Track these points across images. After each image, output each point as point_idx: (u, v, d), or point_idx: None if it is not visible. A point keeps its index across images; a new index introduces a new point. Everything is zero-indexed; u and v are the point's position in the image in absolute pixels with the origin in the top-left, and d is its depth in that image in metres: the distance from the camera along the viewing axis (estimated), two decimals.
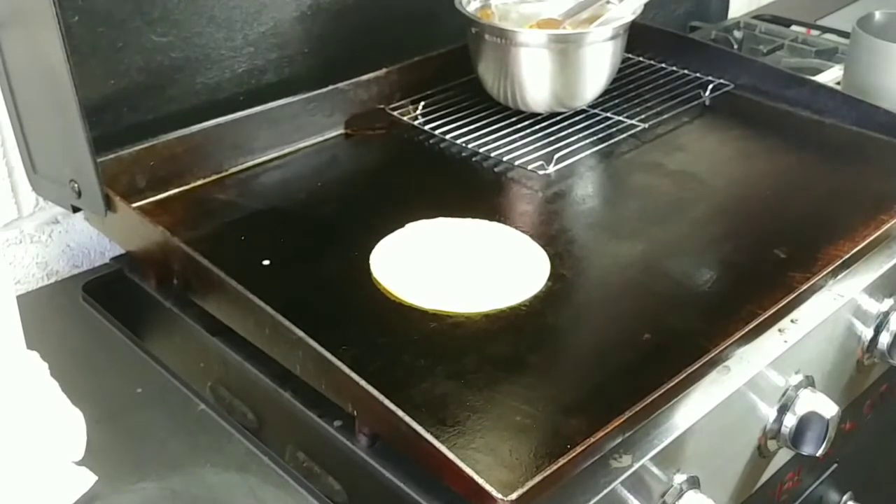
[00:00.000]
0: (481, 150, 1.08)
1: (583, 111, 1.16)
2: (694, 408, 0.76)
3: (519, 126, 1.13)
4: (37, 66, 0.85)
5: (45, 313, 0.94)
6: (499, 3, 1.19)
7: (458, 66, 1.19)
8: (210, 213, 0.98)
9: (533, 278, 0.86)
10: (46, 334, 0.81)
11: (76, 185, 0.89)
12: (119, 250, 0.98)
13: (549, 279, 0.87)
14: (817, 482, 1.00)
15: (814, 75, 1.31)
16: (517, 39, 1.09)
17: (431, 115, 1.15)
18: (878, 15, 1.28)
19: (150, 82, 1.02)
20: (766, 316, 0.80)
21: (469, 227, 0.94)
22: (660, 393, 0.71)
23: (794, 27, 1.59)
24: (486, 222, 0.95)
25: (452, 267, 0.89)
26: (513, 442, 0.69)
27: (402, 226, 0.93)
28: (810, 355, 0.86)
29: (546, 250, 0.90)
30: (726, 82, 1.21)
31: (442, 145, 1.11)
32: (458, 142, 1.10)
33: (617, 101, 1.19)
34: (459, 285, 0.86)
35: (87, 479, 0.71)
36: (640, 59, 1.28)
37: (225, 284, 0.79)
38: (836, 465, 1.01)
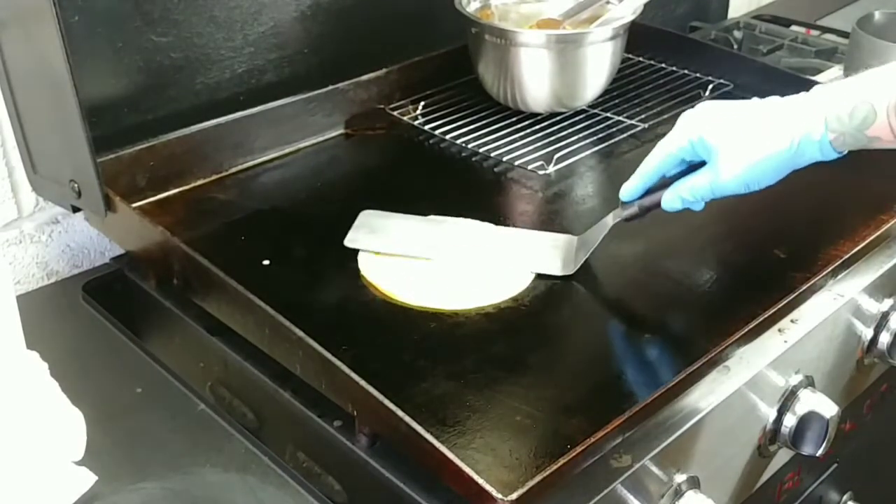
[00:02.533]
0: (481, 150, 1.08)
1: (583, 111, 1.16)
2: (694, 408, 0.76)
3: (519, 126, 1.13)
4: (37, 66, 0.85)
5: (45, 313, 0.94)
6: (499, 4, 1.20)
7: (458, 66, 1.19)
8: (210, 213, 0.98)
9: (519, 276, 0.87)
10: (46, 334, 0.81)
11: (76, 185, 0.89)
12: (119, 250, 0.98)
13: (549, 279, 0.86)
14: (817, 482, 1.00)
15: (814, 75, 1.31)
16: (517, 39, 1.09)
17: (431, 115, 1.15)
18: (877, 15, 1.28)
19: (150, 82, 1.02)
20: (766, 316, 0.80)
21: (458, 224, 0.94)
22: (660, 393, 0.71)
23: (793, 27, 1.59)
24: (475, 221, 0.95)
25: (442, 264, 0.89)
26: (513, 442, 0.69)
27: None
28: (810, 355, 0.86)
29: None
30: (726, 82, 1.21)
31: (442, 145, 1.11)
32: (458, 142, 1.10)
33: (617, 101, 1.19)
34: (452, 283, 0.86)
35: (87, 479, 0.71)
36: (640, 59, 1.28)
37: (225, 284, 0.79)
38: (836, 465, 1.01)
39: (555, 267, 0.87)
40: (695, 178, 0.80)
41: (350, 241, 0.90)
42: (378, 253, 0.89)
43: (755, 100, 0.81)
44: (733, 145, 0.78)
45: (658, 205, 0.83)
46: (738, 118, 0.79)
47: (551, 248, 0.90)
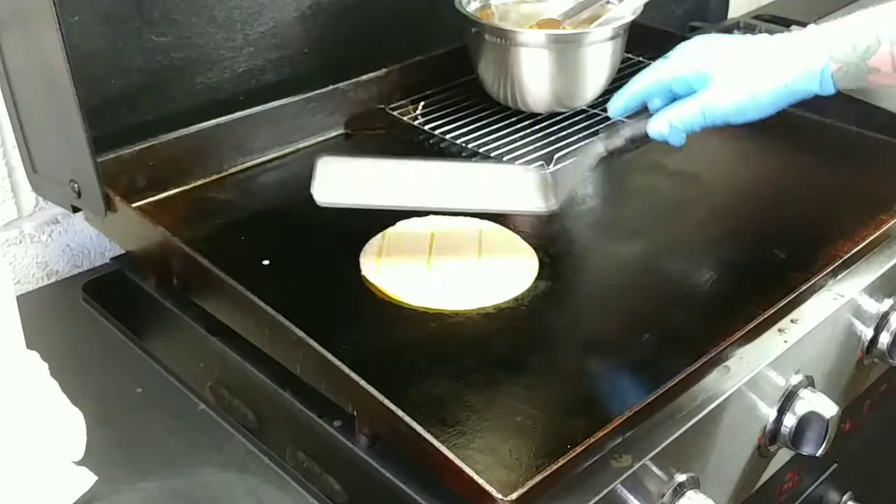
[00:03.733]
0: (481, 150, 1.08)
1: (583, 111, 1.16)
2: (694, 408, 0.76)
3: (519, 126, 1.13)
4: (37, 66, 0.85)
5: (45, 313, 0.94)
6: (499, 3, 1.19)
7: (458, 66, 1.19)
8: (210, 213, 0.98)
9: (519, 276, 0.87)
10: (46, 334, 0.81)
11: (76, 185, 0.89)
12: (119, 250, 0.98)
13: (549, 279, 0.87)
14: (817, 482, 1.00)
15: None
16: (517, 39, 1.09)
17: (431, 115, 1.15)
18: None
19: (150, 82, 1.02)
20: (766, 316, 0.80)
21: (458, 224, 0.94)
22: (660, 393, 0.71)
23: (793, 27, 1.59)
24: (475, 220, 0.94)
25: (442, 264, 0.88)
26: (513, 442, 0.69)
27: None
28: (810, 355, 0.86)
29: (546, 250, 0.90)
30: None
31: (442, 145, 1.11)
32: (458, 142, 1.10)
33: None
34: (448, 282, 0.86)
35: (87, 479, 0.71)
36: (641, 59, 1.28)
37: (225, 284, 0.79)
38: (836, 465, 1.01)
39: (538, 204, 0.86)
40: (686, 103, 0.81)
41: (321, 197, 0.83)
42: (378, 257, 0.89)
43: (747, 35, 0.82)
44: (732, 74, 0.79)
45: (644, 136, 0.84)
46: (737, 49, 0.80)
47: (529, 182, 0.89)
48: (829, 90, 0.79)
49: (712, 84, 0.79)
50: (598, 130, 1.12)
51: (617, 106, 0.86)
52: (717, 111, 0.80)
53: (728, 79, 0.79)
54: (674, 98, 0.83)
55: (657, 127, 0.82)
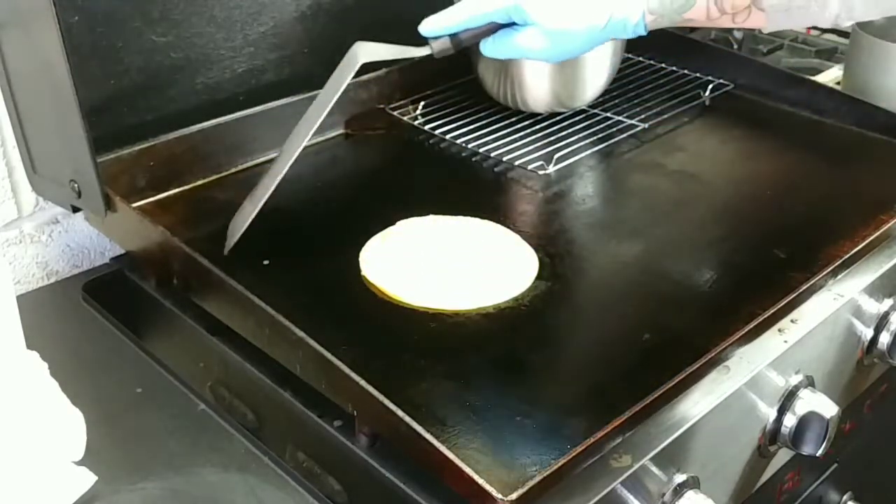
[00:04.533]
0: (481, 150, 1.08)
1: (583, 111, 1.16)
2: (694, 408, 0.76)
3: (519, 126, 1.13)
4: (37, 66, 0.85)
5: (45, 313, 0.94)
6: None
7: (458, 66, 1.18)
8: (210, 213, 0.98)
9: (519, 276, 0.86)
10: (46, 334, 0.81)
11: (76, 185, 0.89)
12: (119, 250, 0.98)
13: (549, 279, 0.87)
14: (817, 482, 1.00)
15: (814, 75, 1.31)
16: None
17: (431, 115, 1.15)
18: None
19: (150, 82, 1.02)
20: (766, 316, 0.80)
21: (458, 224, 0.94)
22: (660, 393, 0.71)
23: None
24: (475, 220, 0.95)
25: (442, 264, 0.89)
26: (513, 442, 0.69)
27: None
28: (810, 355, 0.86)
29: (546, 250, 0.90)
30: (726, 82, 1.21)
31: (442, 145, 1.11)
32: (458, 142, 1.10)
33: (617, 101, 1.19)
34: (448, 282, 0.86)
35: (87, 479, 0.71)
36: (640, 59, 1.28)
37: (225, 284, 0.79)
38: (836, 465, 1.02)
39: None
40: (510, 37, 0.85)
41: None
42: (379, 258, 0.89)
43: None
44: (549, 15, 0.82)
45: (467, 42, 0.87)
46: None
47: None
48: (639, 34, 0.83)
49: (531, 24, 0.83)
50: (597, 130, 1.12)
51: (432, 28, 0.88)
52: (533, 54, 0.85)
53: (547, 21, 0.82)
54: (494, 24, 0.86)
55: (490, 52, 0.87)
